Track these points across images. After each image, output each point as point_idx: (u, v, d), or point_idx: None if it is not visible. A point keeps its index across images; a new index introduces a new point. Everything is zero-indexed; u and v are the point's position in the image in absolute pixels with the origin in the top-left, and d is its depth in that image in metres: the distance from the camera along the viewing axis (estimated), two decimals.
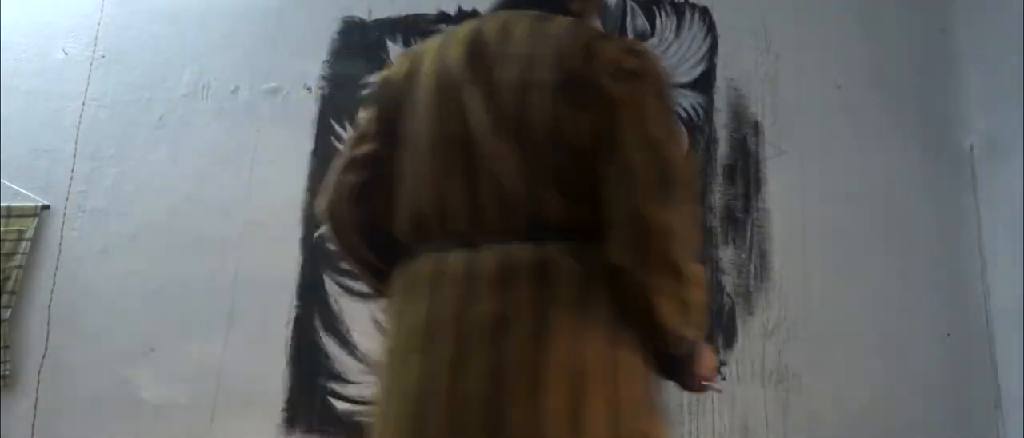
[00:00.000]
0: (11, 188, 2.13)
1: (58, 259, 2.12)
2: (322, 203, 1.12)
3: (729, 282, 2.26)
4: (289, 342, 2.12)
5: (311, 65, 2.32)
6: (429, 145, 1.02)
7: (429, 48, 1.10)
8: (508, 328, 0.90)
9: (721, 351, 2.18)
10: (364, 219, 1.09)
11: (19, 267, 2.07)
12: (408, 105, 1.06)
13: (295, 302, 2.15)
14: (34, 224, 2.11)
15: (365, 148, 1.10)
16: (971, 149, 2.44)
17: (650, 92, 0.98)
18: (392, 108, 1.09)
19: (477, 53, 1.03)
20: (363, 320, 2.15)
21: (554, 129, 0.96)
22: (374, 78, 2.33)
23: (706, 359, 1.05)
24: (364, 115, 1.18)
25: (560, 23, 1.03)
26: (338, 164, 1.13)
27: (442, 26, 2.40)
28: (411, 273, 1.01)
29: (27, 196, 2.14)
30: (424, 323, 0.94)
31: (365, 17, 2.38)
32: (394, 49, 2.36)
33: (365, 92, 2.32)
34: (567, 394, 0.87)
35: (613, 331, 0.93)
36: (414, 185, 1.03)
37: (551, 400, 0.86)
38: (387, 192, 1.06)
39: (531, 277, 0.92)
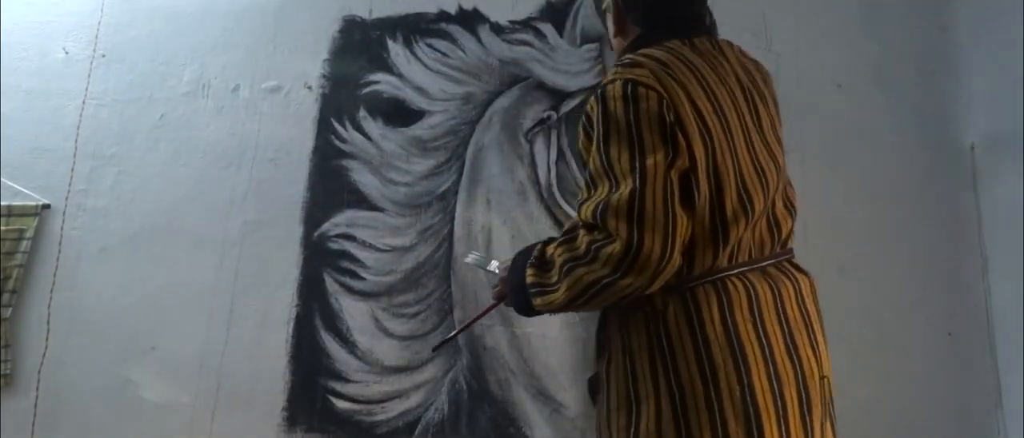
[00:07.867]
0: (11, 187, 2.13)
1: (58, 258, 2.12)
2: None
3: None
4: (289, 341, 2.12)
5: (311, 64, 2.32)
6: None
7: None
8: None
9: None
10: None
11: (19, 266, 2.07)
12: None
13: (295, 301, 2.15)
14: (34, 223, 2.11)
15: None
16: (972, 148, 2.43)
17: None
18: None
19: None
20: (363, 319, 2.15)
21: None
22: (377, 76, 2.33)
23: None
24: None
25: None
26: None
27: (443, 25, 2.40)
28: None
29: (27, 195, 2.14)
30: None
31: (365, 16, 2.38)
32: (395, 48, 2.36)
33: (366, 91, 2.32)
34: None
35: None
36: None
37: None
38: None
39: None
